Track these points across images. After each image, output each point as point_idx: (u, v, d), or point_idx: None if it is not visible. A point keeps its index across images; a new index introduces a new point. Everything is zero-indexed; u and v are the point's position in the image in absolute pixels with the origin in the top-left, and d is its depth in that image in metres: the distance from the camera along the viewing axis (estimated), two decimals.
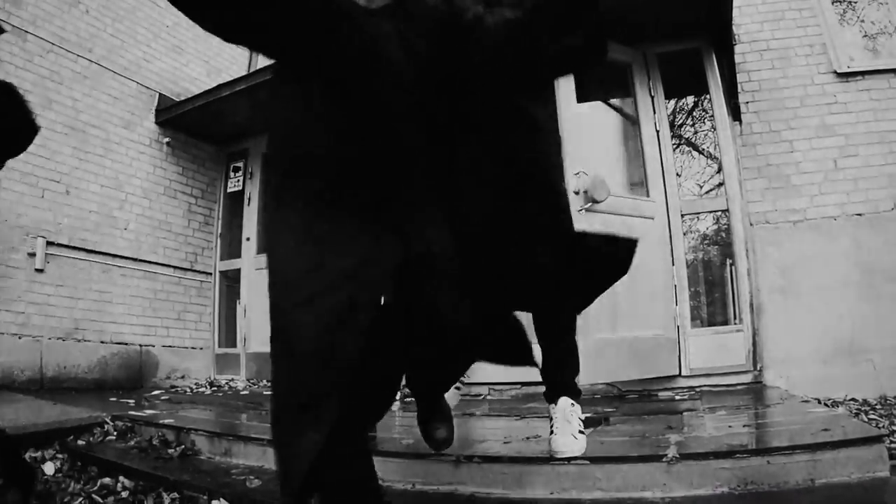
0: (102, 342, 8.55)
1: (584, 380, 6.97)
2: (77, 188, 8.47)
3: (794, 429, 3.94)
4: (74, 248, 8.34)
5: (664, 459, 3.12)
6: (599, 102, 8.33)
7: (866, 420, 5.12)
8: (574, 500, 3.16)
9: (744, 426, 4.15)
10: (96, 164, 8.77)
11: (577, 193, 6.73)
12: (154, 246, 9.54)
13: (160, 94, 9.82)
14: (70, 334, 8.17)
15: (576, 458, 3.23)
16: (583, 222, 6.73)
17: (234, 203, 10.83)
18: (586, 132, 7.60)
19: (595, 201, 6.68)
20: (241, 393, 8.32)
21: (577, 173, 6.80)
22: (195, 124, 10.05)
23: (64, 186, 8.30)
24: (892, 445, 3.80)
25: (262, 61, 11.46)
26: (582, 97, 7.55)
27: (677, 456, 3.12)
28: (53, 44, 8.37)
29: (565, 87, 7.39)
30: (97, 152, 8.79)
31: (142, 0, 9.82)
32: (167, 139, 9.90)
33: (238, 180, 10.64)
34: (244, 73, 10.95)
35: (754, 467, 3.06)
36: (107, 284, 8.74)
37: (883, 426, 4.81)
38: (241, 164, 10.68)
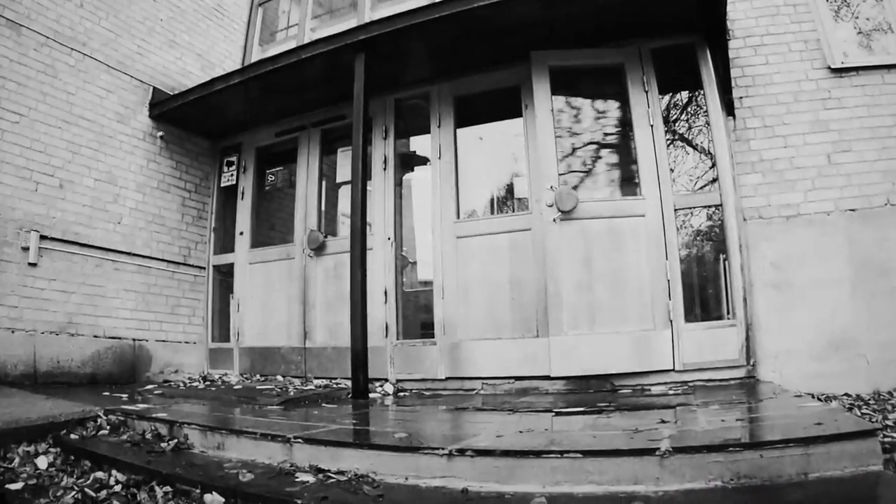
0: (96, 336, 8.56)
1: (570, 371, 7.09)
2: (71, 182, 8.46)
3: (787, 423, 3.94)
4: (68, 242, 8.33)
5: (657, 453, 3.13)
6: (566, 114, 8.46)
7: (859, 414, 5.12)
8: (566, 494, 3.15)
9: (737, 420, 4.15)
10: (90, 158, 8.76)
11: (550, 206, 7.49)
12: (147, 240, 9.54)
13: (154, 88, 9.82)
14: (63, 328, 8.17)
15: (569, 451, 3.24)
16: (558, 231, 7.37)
17: (228, 197, 10.83)
18: (562, 145, 7.85)
19: (562, 211, 7.37)
20: (235, 387, 8.30)
21: (550, 187, 7.50)
22: (189, 118, 10.06)
23: (57, 180, 8.29)
24: (886, 440, 3.81)
25: (256, 56, 11.49)
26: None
27: (670, 449, 3.12)
28: (48, 37, 8.36)
29: (540, 103, 7.51)
30: (91, 146, 8.79)
31: None
32: (161, 133, 9.90)
33: (232, 174, 10.64)
34: (238, 67, 10.96)
35: (747, 461, 3.06)
36: (100, 279, 8.74)
37: (876, 420, 4.82)
38: (234, 159, 10.67)
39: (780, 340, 7.01)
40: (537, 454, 3.31)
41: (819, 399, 5.88)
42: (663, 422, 4.19)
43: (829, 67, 7.58)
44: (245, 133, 10.64)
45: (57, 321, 8.12)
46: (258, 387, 8.19)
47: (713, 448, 3.13)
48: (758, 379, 6.90)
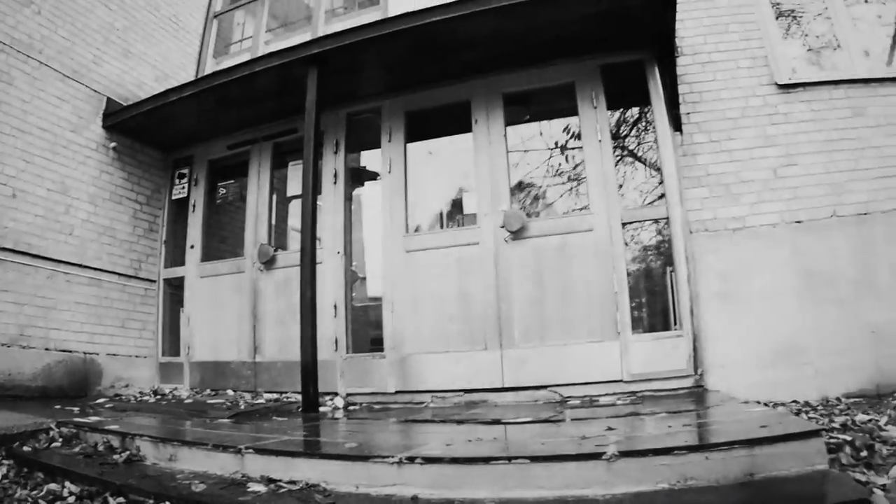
0: (47, 349, 8.47)
1: (520, 382, 7.17)
2: (24, 191, 8.38)
3: (732, 427, 4.03)
4: (20, 252, 8.25)
5: (604, 457, 3.19)
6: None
7: (806, 419, 5.20)
8: (517, 499, 3.20)
9: (683, 426, 4.22)
10: (43, 168, 8.69)
11: (501, 228, 7.82)
12: (99, 252, 9.47)
13: (108, 98, 9.76)
14: (15, 341, 8.09)
15: (517, 456, 3.29)
16: (509, 251, 7.76)
17: (180, 210, 10.76)
18: (513, 160, 8.03)
19: (512, 232, 7.75)
20: (185, 401, 8.28)
21: (502, 210, 7.86)
22: (142, 129, 10.00)
23: (11, 189, 8.22)
24: (832, 440, 3.90)
25: (210, 67, 11.46)
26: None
27: (616, 454, 3.18)
28: (4, 44, 8.30)
29: (493, 130, 7.61)
30: (44, 155, 8.72)
31: (94, 2, 9.78)
32: (114, 144, 9.83)
33: (183, 187, 10.59)
34: (192, 78, 10.94)
35: (694, 463, 3.13)
36: (52, 290, 8.66)
37: (823, 423, 4.91)
38: (186, 171, 10.63)
39: (727, 350, 7.11)
40: (486, 460, 3.36)
41: (766, 405, 5.98)
42: (611, 429, 4.25)
43: (777, 84, 7.71)
44: (197, 145, 10.60)
45: (9, 333, 8.04)
46: (209, 401, 8.17)
47: (660, 451, 3.20)
48: (706, 388, 6.98)
